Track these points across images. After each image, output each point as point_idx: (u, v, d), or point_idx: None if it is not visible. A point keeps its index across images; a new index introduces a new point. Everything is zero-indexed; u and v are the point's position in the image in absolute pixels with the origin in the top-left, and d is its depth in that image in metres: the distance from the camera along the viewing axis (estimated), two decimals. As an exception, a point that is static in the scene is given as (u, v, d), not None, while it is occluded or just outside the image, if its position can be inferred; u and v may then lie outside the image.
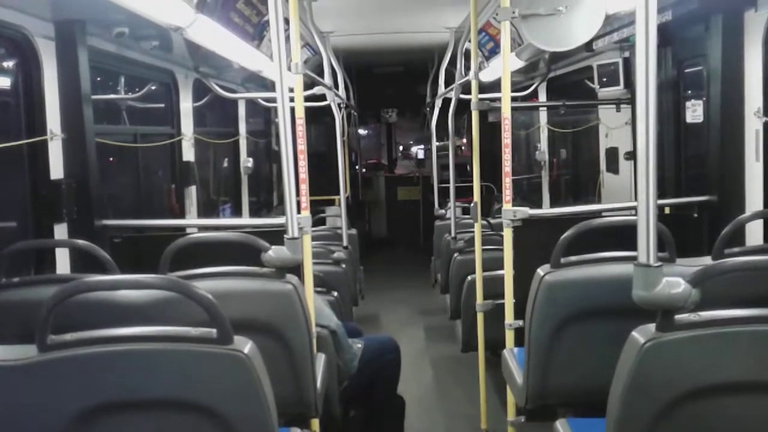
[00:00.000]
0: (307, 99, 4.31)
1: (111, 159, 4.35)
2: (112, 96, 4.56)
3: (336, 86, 5.77)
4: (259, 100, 6.89)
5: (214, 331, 1.74)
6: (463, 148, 11.39)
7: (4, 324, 2.46)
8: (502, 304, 3.35)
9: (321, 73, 5.33)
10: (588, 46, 4.30)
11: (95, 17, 3.34)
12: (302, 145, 2.95)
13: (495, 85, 5.78)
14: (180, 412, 1.75)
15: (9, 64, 3.19)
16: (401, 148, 12.62)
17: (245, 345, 1.76)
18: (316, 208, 7.31)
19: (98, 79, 4.17)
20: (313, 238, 3.79)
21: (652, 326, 1.69)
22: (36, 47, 3.13)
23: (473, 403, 4.40)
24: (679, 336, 1.66)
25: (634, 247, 1.73)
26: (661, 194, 3.72)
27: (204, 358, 1.74)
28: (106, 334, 1.75)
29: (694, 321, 1.67)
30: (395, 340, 4.14)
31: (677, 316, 1.67)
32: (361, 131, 11.99)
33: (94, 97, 3.56)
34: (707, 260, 2.57)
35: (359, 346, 3.69)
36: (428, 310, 7.39)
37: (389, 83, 11.01)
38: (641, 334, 1.68)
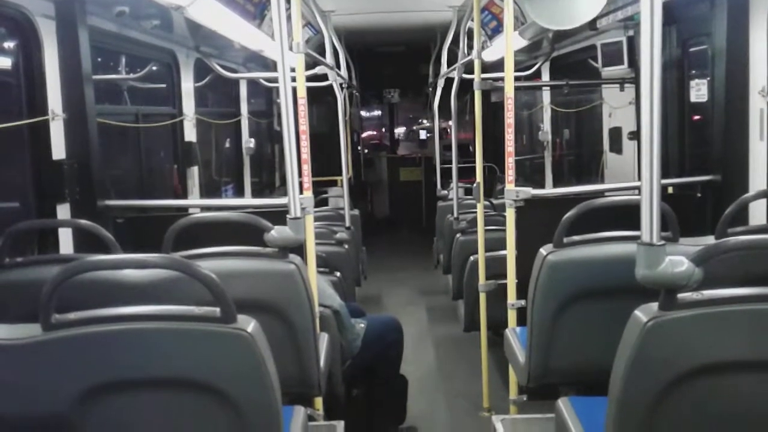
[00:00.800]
0: (309, 79, 4.29)
1: (113, 139, 4.34)
2: (113, 76, 4.54)
3: (338, 66, 5.75)
4: (261, 80, 6.86)
5: (217, 310, 1.75)
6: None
7: (8, 304, 2.47)
8: (505, 285, 3.36)
9: (323, 53, 5.31)
10: (592, 24, 4.26)
11: (96, -4, 3.32)
12: (304, 126, 2.94)
13: (498, 65, 5.77)
14: (183, 390, 1.76)
15: (9, 43, 3.17)
16: (404, 128, 12.58)
17: (248, 324, 1.77)
18: (319, 188, 7.31)
19: (99, 59, 4.14)
20: (316, 219, 3.79)
21: (654, 305, 1.69)
22: (36, 27, 3.10)
23: (475, 383, 4.43)
24: (681, 315, 1.66)
25: (637, 227, 1.72)
26: (664, 174, 3.70)
27: (207, 336, 1.74)
28: (109, 313, 1.75)
29: (697, 300, 1.67)
30: (398, 320, 4.15)
31: (680, 295, 1.67)
32: (363, 112, 11.94)
33: (95, 77, 3.54)
34: (710, 240, 2.56)
35: (362, 325, 3.71)
36: (431, 291, 7.41)
37: (391, 63, 10.95)
38: (644, 313, 1.68)
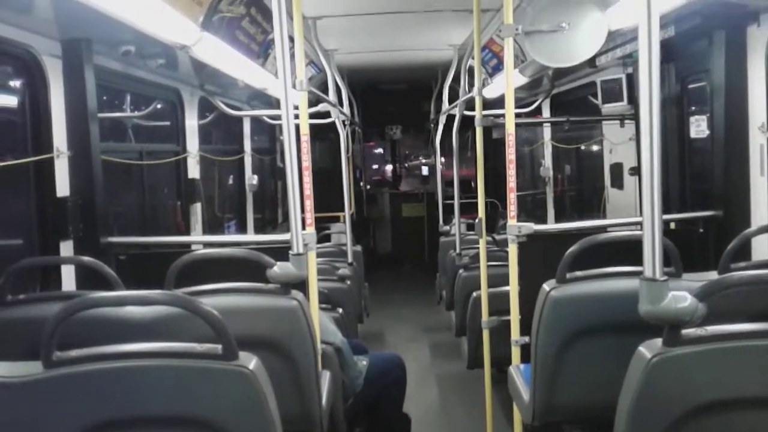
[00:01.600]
0: (312, 116, 4.33)
1: (117, 176, 4.37)
2: (118, 114, 4.59)
3: (340, 103, 5.81)
4: (264, 118, 6.93)
5: (219, 347, 1.74)
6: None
7: (9, 341, 2.46)
8: (508, 321, 3.34)
9: (326, 91, 5.37)
10: (591, 62, 4.31)
11: (102, 36, 3.36)
12: (307, 162, 2.96)
13: (499, 102, 5.82)
14: (185, 428, 1.75)
15: (16, 82, 3.21)
16: (406, 164, 12.64)
17: (250, 361, 1.76)
18: (321, 224, 7.32)
19: (104, 97, 4.19)
20: (318, 255, 3.79)
21: (658, 341, 1.68)
22: (43, 65, 3.15)
23: (479, 421, 4.37)
24: (686, 351, 1.65)
25: (639, 263, 1.72)
26: (666, 209, 3.70)
27: (209, 374, 1.73)
28: (111, 351, 1.75)
29: (701, 336, 1.67)
30: (401, 358, 4.12)
31: (684, 331, 1.67)
32: (366, 148, 12.01)
33: (100, 114, 3.59)
34: (713, 275, 2.56)
35: (364, 363, 3.68)
36: (433, 327, 7.37)
37: (393, 100, 11.06)
38: (648, 349, 1.67)
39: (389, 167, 12.35)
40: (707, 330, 1.68)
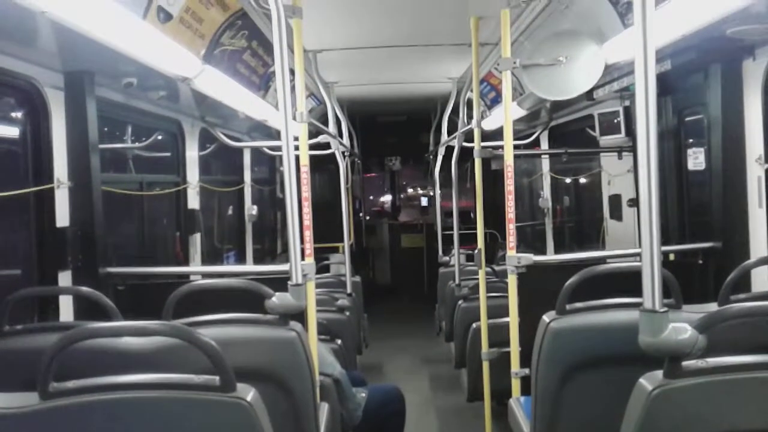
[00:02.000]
0: (312, 147, 4.36)
1: (117, 206, 4.38)
2: (119, 145, 4.61)
3: (340, 135, 5.85)
4: (265, 149, 6.96)
5: (217, 378, 1.73)
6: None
7: (6, 371, 2.44)
8: (508, 352, 3.32)
9: (326, 122, 5.41)
10: (589, 95, 4.35)
11: (104, 68, 3.40)
12: (306, 193, 2.98)
13: (497, 134, 5.86)
14: (182, 461, 1.73)
15: (18, 113, 3.24)
16: (405, 195, 12.68)
17: (248, 393, 1.75)
18: (320, 255, 7.31)
19: (105, 128, 4.22)
20: (317, 286, 3.78)
21: (659, 373, 1.67)
22: (45, 97, 3.18)
23: (479, 454, 4.32)
24: (686, 383, 1.64)
25: (639, 294, 1.72)
26: (665, 241, 3.71)
27: (207, 405, 1.72)
28: (108, 382, 1.74)
29: (702, 368, 1.66)
30: (400, 390, 4.09)
31: (684, 363, 1.66)
32: (365, 179, 12.06)
33: (101, 145, 3.61)
34: (713, 307, 2.55)
35: (363, 395, 3.65)
36: (433, 359, 7.32)
37: (393, 132, 11.13)
38: (649, 381, 1.66)
39: (388, 198, 12.38)
40: (708, 362, 1.67)
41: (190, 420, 1.72)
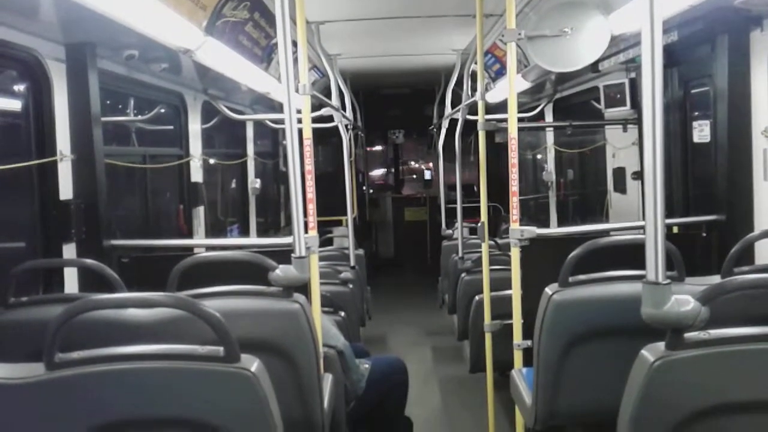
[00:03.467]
0: (315, 120, 4.33)
1: (120, 179, 4.38)
2: (122, 118, 4.60)
3: (343, 107, 5.81)
4: (267, 122, 6.94)
5: (221, 349, 1.74)
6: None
7: (12, 343, 2.46)
8: (510, 325, 3.33)
9: (329, 95, 5.38)
10: (594, 66, 4.31)
11: (106, 40, 3.38)
12: (310, 166, 2.97)
13: (501, 107, 5.82)
14: (186, 430, 1.75)
15: (21, 85, 3.22)
16: (408, 168, 12.65)
17: (252, 363, 1.76)
18: (324, 229, 7.32)
19: (108, 101, 4.20)
20: (321, 259, 3.79)
21: (661, 345, 1.67)
22: (47, 69, 3.16)
23: (481, 425, 4.37)
24: (688, 354, 1.65)
25: (642, 267, 1.72)
26: (669, 214, 3.71)
27: (211, 376, 1.73)
28: (113, 353, 1.75)
29: (704, 339, 1.66)
30: (403, 361, 4.12)
31: (687, 335, 1.66)
32: (368, 152, 12.03)
33: (103, 118, 3.60)
34: (716, 279, 2.55)
35: (366, 366, 3.68)
36: (436, 331, 7.36)
37: (396, 105, 11.07)
38: (651, 353, 1.67)
39: (392, 171, 12.36)
40: (710, 333, 1.67)
41: (195, 390, 1.74)
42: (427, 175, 12.18)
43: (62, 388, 1.71)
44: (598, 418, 2.33)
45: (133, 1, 2.57)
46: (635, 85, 4.87)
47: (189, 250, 4.27)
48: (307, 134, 2.99)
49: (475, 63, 4.27)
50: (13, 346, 2.44)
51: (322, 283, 3.24)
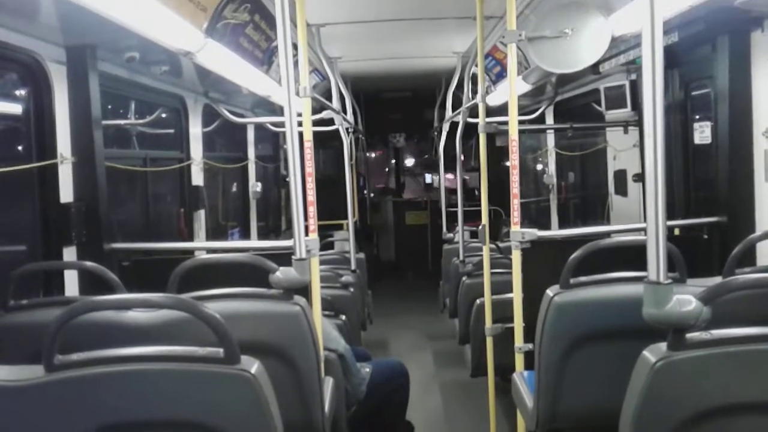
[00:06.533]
0: (316, 123, 4.33)
1: (121, 182, 4.37)
2: (123, 121, 4.60)
3: (344, 110, 5.81)
4: (268, 125, 6.94)
5: (221, 350, 1.73)
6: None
7: (12, 346, 2.46)
8: (512, 328, 3.32)
9: (329, 98, 5.38)
10: (594, 68, 4.31)
11: (106, 42, 3.38)
12: (310, 169, 2.96)
13: (502, 110, 5.82)
14: (187, 432, 1.74)
15: (21, 88, 3.22)
16: (409, 172, 12.66)
17: (252, 365, 1.75)
18: (324, 232, 7.31)
19: (109, 104, 4.20)
20: (322, 262, 3.78)
21: (663, 345, 1.67)
22: (47, 71, 3.17)
23: (483, 429, 4.35)
24: (690, 355, 1.64)
25: (643, 268, 1.71)
26: (670, 216, 3.69)
27: (211, 378, 1.73)
28: (112, 354, 1.74)
29: (706, 339, 1.65)
30: (404, 365, 4.11)
31: (688, 335, 1.65)
32: (369, 155, 12.04)
33: (104, 121, 3.59)
34: (718, 280, 2.54)
35: (367, 370, 3.67)
36: (437, 335, 7.35)
37: (397, 108, 11.07)
38: (652, 353, 1.66)
39: (393, 175, 12.35)
40: (712, 334, 1.66)
41: (195, 392, 1.73)
42: (428, 178, 12.18)
43: (62, 391, 1.70)
44: (601, 421, 2.31)
45: (133, 3, 2.57)
46: (636, 87, 4.87)
47: (189, 253, 4.26)
48: (308, 137, 2.98)
49: (476, 65, 4.27)
50: (13, 349, 2.43)
51: (322, 287, 3.23)
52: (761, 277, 1.89)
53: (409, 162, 12.60)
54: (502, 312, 3.84)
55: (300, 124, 2.77)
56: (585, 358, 2.51)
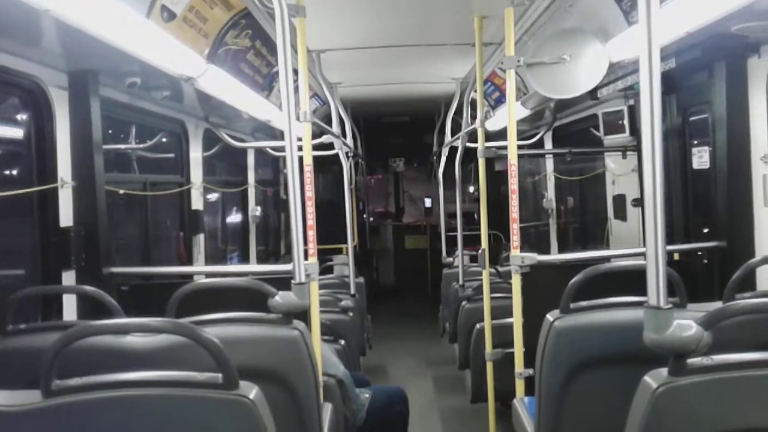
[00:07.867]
0: (316, 147, 4.35)
1: (120, 206, 4.38)
2: (124, 146, 4.62)
3: (344, 135, 5.84)
4: (268, 149, 6.97)
5: (219, 375, 1.72)
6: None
7: (10, 370, 2.44)
8: (512, 353, 3.31)
9: (329, 123, 5.40)
10: (593, 94, 4.34)
11: (108, 68, 3.41)
12: (310, 192, 2.97)
13: (501, 134, 5.85)
14: (184, 458, 1.72)
15: (22, 112, 3.24)
16: (408, 196, 12.67)
17: (251, 390, 1.74)
18: (324, 257, 7.30)
19: (110, 128, 4.22)
20: (321, 287, 3.77)
21: (664, 371, 1.66)
22: (49, 96, 3.19)
23: (483, 455, 4.31)
24: (692, 380, 1.63)
25: (643, 293, 1.71)
26: (669, 241, 3.70)
27: (210, 403, 1.71)
28: (111, 379, 1.73)
29: (707, 365, 1.64)
30: (403, 391, 4.08)
31: (689, 360, 1.64)
32: (369, 180, 12.07)
33: (105, 146, 3.61)
34: (718, 305, 2.53)
35: (367, 396, 3.64)
36: (437, 360, 7.31)
37: (396, 133, 11.13)
38: (653, 379, 1.65)
39: (392, 199, 12.37)
40: (713, 359, 1.65)
41: (193, 417, 1.72)
42: (428, 203, 12.20)
43: (59, 416, 1.68)
44: (602, 447, 2.29)
45: (136, 29, 2.60)
46: (634, 112, 4.90)
47: (188, 277, 4.25)
48: (308, 161, 2.99)
49: (475, 91, 4.30)
50: (11, 374, 2.41)
51: (322, 311, 3.22)
52: (761, 302, 1.88)
53: (409, 186, 12.62)
54: (502, 337, 3.83)
55: (300, 148, 2.78)
56: (586, 384, 2.49)
